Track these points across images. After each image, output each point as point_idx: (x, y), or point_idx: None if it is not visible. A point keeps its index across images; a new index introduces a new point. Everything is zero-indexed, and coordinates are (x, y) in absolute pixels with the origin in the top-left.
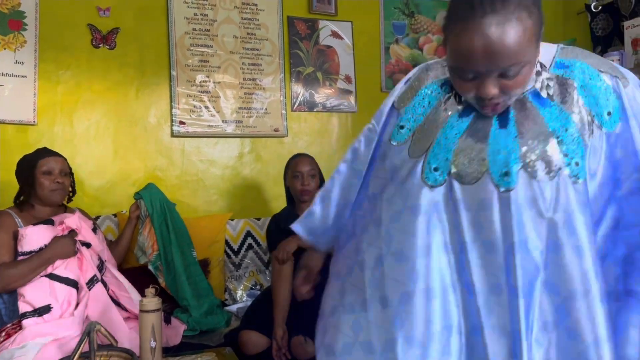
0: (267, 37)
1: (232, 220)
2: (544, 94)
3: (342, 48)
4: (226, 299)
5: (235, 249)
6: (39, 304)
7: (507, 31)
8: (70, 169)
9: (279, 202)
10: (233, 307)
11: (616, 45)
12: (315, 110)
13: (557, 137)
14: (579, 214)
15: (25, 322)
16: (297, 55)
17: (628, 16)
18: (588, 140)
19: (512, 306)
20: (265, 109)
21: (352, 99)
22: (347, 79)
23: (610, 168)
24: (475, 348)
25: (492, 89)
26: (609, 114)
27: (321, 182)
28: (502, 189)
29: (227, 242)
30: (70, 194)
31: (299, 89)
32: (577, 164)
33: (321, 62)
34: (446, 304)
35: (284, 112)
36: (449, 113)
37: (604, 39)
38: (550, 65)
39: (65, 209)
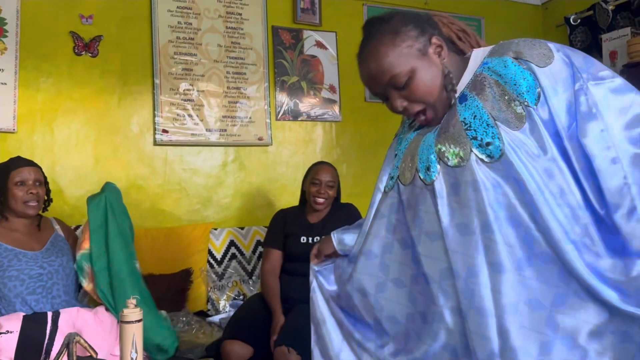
0: (251, 46)
1: (216, 229)
2: (466, 92)
3: (326, 58)
4: (209, 310)
5: (219, 259)
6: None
7: (375, 55)
8: (45, 177)
9: (263, 211)
10: (215, 318)
11: (595, 58)
12: (299, 119)
13: (465, 124)
14: (488, 191)
15: None
16: (282, 65)
17: (606, 29)
18: (513, 121)
19: (459, 287)
20: (250, 118)
21: (336, 108)
22: (332, 89)
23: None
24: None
25: (398, 102)
26: (527, 92)
27: (338, 194)
28: (427, 182)
29: (210, 252)
30: (46, 204)
31: (283, 98)
32: (487, 144)
33: (305, 71)
34: (413, 291)
35: (268, 121)
36: (411, 130)
37: (583, 52)
38: (479, 66)
39: (40, 219)
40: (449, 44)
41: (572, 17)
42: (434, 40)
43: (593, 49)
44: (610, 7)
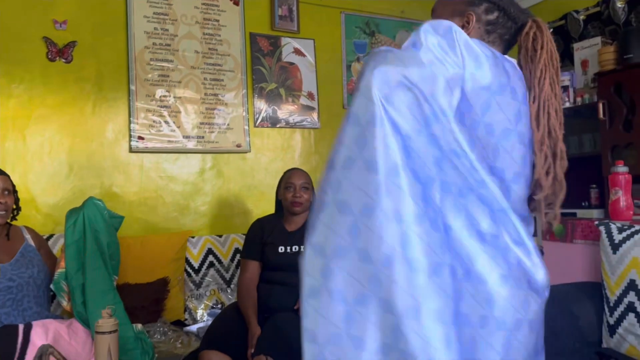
0: (229, 52)
1: (193, 237)
2: None
3: (304, 65)
4: (186, 319)
5: (196, 267)
6: None
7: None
8: (14, 186)
9: (241, 219)
10: (193, 327)
11: (567, 66)
12: (278, 126)
13: None
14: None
15: None
16: (260, 72)
17: (577, 38)
18: None
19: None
20: (228, 125)
21: (314, 115)
22: (310, 96)
23: None
24: None
25: None
26: None
27: (314, 196)
28: None
29: (187, 260)
30: (14, 212)
31: (261, 105)
32: None
33: (284, 78)
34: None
35: (246, 127)
36: None
37: None
38: None
39: (9, 228)
40: (484, 27)
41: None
42: (469, 13)
43: (565, 57)
44: (582, 17)
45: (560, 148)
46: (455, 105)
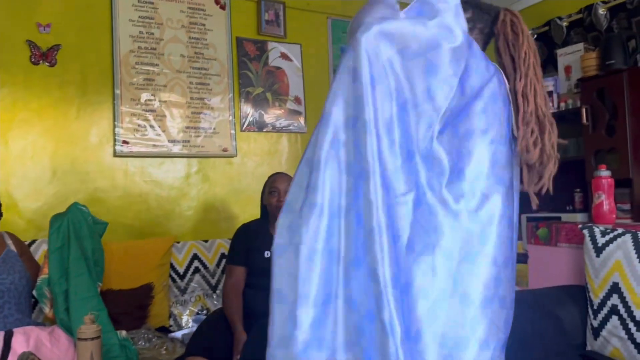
0: (215, 57)
1: (178, 242)
2: None
3: (291, 70)
4: (171, 325)
5: (181, 273)
6: None
7: None
8: None
9: (227, 224)
10: (178, 334)
11: (551, 72)
12: (264, 130)
13: None
14: None
15: None
16: (246, 76)
17: (561, 44)
18: None
19: None
20: (214, 129)
21: (301, 119)
22: (297, 100)
23: None
24: None
25: None
26: None
27: None
28: None
29: (172, 266)
30: None
31: (248, 109)
32: None
33: (270, 82)
34: None
35: (232, 132)
36: None
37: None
38: None
39: None
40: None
41: (529, 32)
42: (469, 14)
43: (549, 63)
44: (565, 24)
45: (550, 121)
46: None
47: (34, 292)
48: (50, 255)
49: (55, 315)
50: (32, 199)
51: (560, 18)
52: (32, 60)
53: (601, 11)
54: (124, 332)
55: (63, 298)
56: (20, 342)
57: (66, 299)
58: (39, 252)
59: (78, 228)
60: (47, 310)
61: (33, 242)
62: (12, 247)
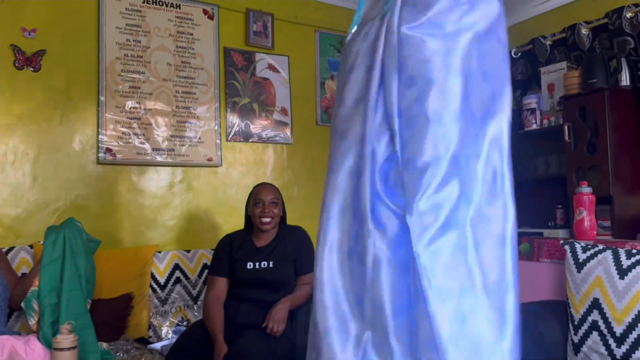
0: (202, 66)
1: (160, 252)
2: None
3: (278, 81)
4: (150, 336)
5: (162, 283)
6: None
7: None
8: None
9: (210, 234)
10: (157, 345)
11: (534, 89)
12: (250, 140)
13: None
14: None
15: None
16: (233, 86)
17: (544, 62)
18: None
19: None
20: (199, 138)
21: (287, 130)
22: (283, 111)
23: None
24: None
25: None
26: None
27: (283, 211)
28: None
29: (153, 276)
30: None
31: (234, 119)
32: None
33: (257, 93)
34: None
35: (218, 141)
36: None
37: (524, 83)
38: None
39: None
40: None
41: (514, 50)
42: None
43: (533, 80)
44: (549, 42)
45: None
46: None
47: (22, 304)
48: (44, 267)
49: (39, 329)
50: (12, 205)
51: (544, 37)
52: (16, 65)
53: (584, 31)
54: (104, 345)
55: (51, 311)
56: None
57: (54, 312)
58: (17, 259)
59: (74, 243)
60: (32, 322)
61: (11, 249)
62: None
